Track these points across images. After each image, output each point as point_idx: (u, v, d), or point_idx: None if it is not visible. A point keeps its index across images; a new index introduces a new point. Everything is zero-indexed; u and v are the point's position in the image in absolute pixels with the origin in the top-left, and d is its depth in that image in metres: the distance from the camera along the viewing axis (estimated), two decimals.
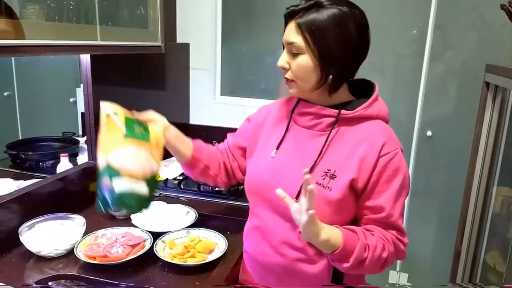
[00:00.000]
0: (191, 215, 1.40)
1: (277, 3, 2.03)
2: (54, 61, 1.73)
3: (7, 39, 0.95)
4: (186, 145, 1.13)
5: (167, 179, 1.71)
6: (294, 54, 0.95)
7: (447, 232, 2.03)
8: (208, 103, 2.21)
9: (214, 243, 1.22)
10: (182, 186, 1.66)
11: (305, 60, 0.94)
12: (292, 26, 0.95)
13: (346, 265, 0.90)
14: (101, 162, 0.91)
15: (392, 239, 0.95)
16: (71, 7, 1.15)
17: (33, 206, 1.25)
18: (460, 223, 1.82)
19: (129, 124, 0.94)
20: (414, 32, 1.91)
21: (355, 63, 0.98)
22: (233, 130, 2.14)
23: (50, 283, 1.06)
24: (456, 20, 1.85)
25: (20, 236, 1.13)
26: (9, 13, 0.96)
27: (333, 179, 0.95)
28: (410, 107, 1.98)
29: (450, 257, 1.89)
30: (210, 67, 2.18)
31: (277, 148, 1.04)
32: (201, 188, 1.63)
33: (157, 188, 0.99)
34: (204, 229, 1.29)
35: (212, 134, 2.19)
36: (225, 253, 1.17)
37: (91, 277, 1.07)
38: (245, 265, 1.17)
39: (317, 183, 0.94)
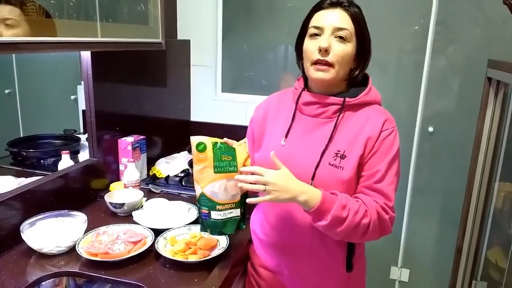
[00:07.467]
0: (193, 212, 1.40)
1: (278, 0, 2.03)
2: (54, 58, 1.73)
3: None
4: None
5: (168, 176, 1.71)
6: (341, 40, 1.01)
7: (448, 228, 2.03)
8: (209, 100, 2.21)
9: (215, 240, 1.22)
10: (183, 183, 1.66)
11: (350, 48, 1.02)
12: (341, 13, 1.01)
13: (324, 222, 0.94)
14: (198, 191, 1.03)
15: (376, 207, 0.98)
16: (71, 3, 1.15)
17: (34, 203, 1.25)
18: (462, 218, 1.81)
19: (217, 157, 1.01)
20: (416, 27, 1.90)
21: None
22: (234, 127, 2.16)
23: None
24: (458, 15, 1.84)
25: (21, 234, 1.13)
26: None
27: (343, 159, 1.02)
28: (411, 102, 1.97)
29: (452, 253, 1.89)
30: (211, 63, 2.17)
31: (286, 136, 1.10)
32: None
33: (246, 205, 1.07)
34: None
35: (213, 131, 2.18)
36: (226, 249, 1.17)
37: (93, 274, 1.07)
38: (255, 251, 1.23)
39: (329, 164, 1.02)
